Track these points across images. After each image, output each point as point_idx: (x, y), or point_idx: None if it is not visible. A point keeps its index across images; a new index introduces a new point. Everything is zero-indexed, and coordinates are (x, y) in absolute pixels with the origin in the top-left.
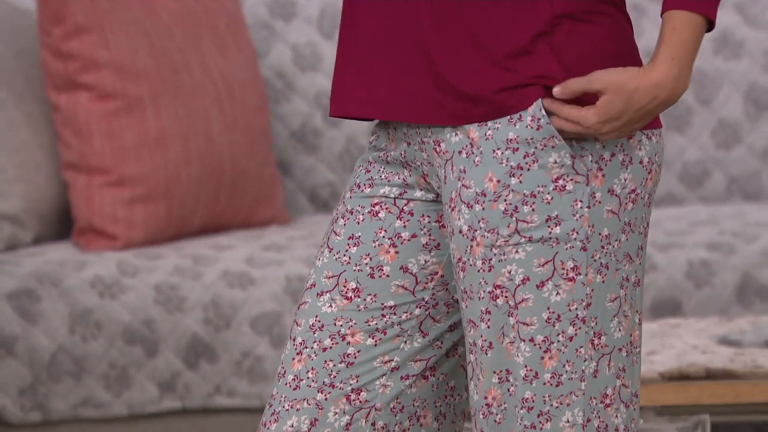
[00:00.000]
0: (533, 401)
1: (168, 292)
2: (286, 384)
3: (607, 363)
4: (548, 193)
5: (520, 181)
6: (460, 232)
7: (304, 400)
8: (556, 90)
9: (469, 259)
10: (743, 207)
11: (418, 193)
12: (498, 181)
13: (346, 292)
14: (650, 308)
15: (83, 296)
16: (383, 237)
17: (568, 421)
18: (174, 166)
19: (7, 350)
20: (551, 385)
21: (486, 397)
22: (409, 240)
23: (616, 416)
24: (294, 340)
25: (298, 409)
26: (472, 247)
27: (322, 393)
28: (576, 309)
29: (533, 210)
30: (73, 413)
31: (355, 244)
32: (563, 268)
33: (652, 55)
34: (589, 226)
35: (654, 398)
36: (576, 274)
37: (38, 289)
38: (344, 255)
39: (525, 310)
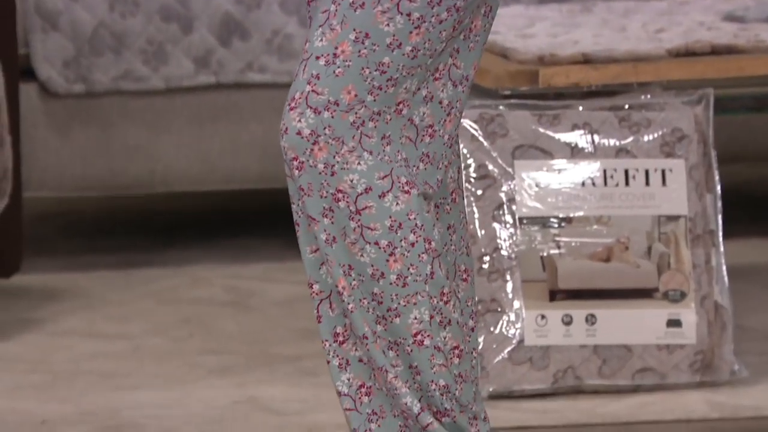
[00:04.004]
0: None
1: None
2: (392, 284)
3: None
4: None
5: None
6: None
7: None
8: None
9: (308, 160)
10: None
11: None
12: None
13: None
14: None
15: None
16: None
17: None
18: None
19: (51, 24)
20: (398, 285)
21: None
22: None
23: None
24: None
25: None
26: (312, 150)
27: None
28: None
29: None
30: (115, 86)
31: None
32: None
33: None
34: None
35: (661, 74)
36: None
37: None
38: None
39: None
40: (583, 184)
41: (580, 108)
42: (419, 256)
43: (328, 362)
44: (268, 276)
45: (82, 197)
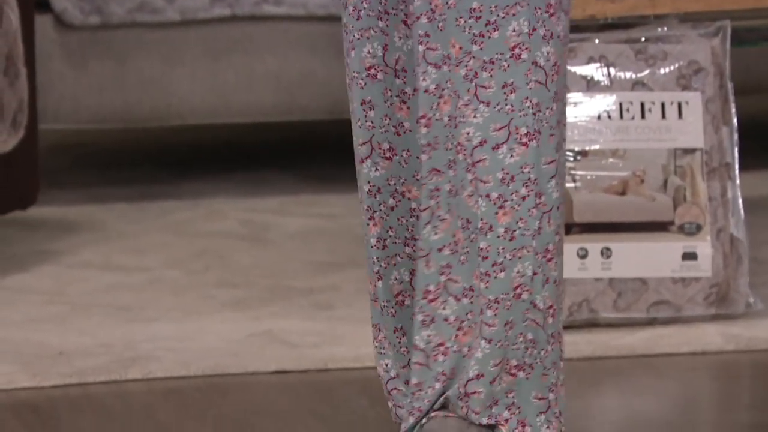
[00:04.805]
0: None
1: None
2: (372, 247)
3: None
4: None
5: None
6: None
7: (396, 255)
8: None
9: (435, 114)
10: None
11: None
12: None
13: (384, 153)
14: None
15: None
16: (391, 96)
17: None
18: None
19: None
20: (505, 239)
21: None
22: (413, 94)
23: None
24: (362, 203)
25: (395, 264)
26: (439, 104)
27: (408, 246)
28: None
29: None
30: (130, 17)
31: (370, 108)
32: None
33: None
34: None
35: (678, 6)
36: None
37: None
38: (366, 121)
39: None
40: (598, 117)
41: (596, 41)
42: (529, 210)
43: (413, 316)
44: (283, 209)
45: (98, 129)
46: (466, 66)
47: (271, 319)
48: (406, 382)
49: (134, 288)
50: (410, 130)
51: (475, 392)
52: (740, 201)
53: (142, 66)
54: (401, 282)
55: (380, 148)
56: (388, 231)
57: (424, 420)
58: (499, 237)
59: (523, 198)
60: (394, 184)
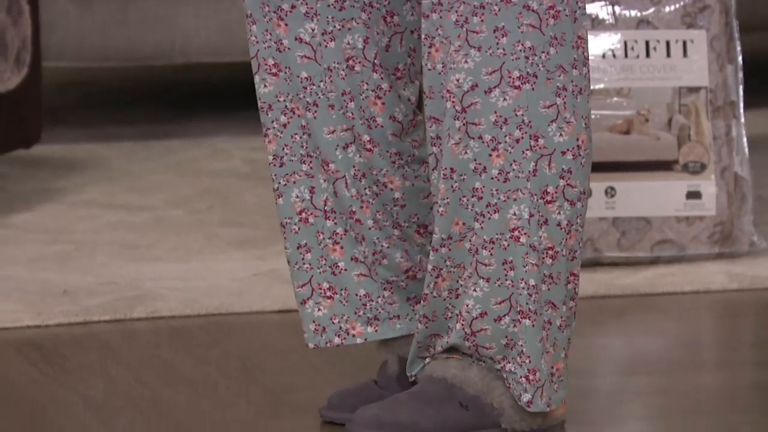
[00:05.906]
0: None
1: None
2: (270, 164)
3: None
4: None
5: None
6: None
7: (294, 173)
8: None
9: (427, 64)
10: None
11: None
12: None
13: (269, 69)
14: None
15: None
16: (268, 11)
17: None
18: None
19: None
20: (499, 180)
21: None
22: (291, 11)
23: (559, 213)
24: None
25: (295, 182)
26: (430, 53)
27: (305, 164)
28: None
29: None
30: None
31: (252, 22)
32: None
33: None
34: None
35: None
36: None
37: None
38: (251, 35)
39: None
40: (603, 56)
41: None
42: (523, 152)
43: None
44: None
45: (102, 67)
46: (456, 12)
47: (276, 258)
48: (303, 302)
49: (138, 227)
50: (289, 48)
51: (481, 329)
52: (744, 139)
53: (147, 4)
54: (303, 200)
55: (266, 64)
56: (283, 149)
57: (427, 359)
58: (492, 178)
59: (517, 140)
60: (284, 100)
